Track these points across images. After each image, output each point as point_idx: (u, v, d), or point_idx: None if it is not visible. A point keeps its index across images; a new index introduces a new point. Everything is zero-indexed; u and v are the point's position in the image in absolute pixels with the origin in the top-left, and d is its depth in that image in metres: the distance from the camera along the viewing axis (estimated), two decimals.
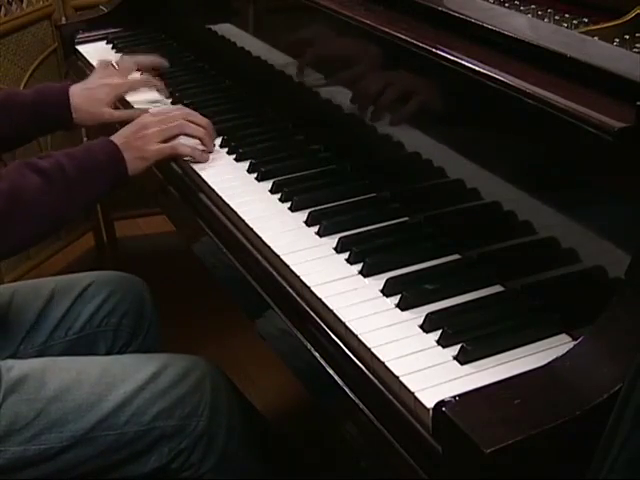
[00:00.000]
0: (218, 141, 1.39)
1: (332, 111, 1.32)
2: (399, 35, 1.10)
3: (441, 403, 0.76)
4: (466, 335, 0.89)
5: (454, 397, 0.76)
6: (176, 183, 1.38)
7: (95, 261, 2.51)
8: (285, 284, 1.07)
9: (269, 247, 1.10)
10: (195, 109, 1.51)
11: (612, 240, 0.86)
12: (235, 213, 1.20)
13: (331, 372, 0.94)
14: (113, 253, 2.57)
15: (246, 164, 1.32)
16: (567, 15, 1.10)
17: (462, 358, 0.86)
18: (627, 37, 0.99)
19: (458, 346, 0.87)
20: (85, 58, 1.90)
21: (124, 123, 1.37)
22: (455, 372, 0.85)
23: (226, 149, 1.38)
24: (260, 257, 1.13)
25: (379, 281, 1.01)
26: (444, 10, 1.10)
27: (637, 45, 0.98)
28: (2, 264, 2.15)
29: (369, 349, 0.90)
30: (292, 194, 1.21)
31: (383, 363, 0.88)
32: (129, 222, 2.59)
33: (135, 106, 1.56)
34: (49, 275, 1.83)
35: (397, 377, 0.85)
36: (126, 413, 1.19)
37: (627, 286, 0.80)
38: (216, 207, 1.26)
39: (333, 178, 1.27)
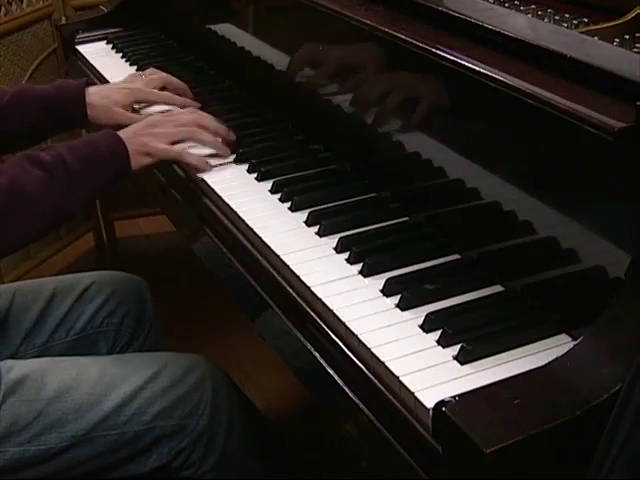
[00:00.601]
0: None
1: (332, 111, 1.32)
2: (399, 35, 1.10)
3: (441, 403, 0.76)
4: (466, 335, 0.89)
5: (454, 397, 0.76)
6: (176, 183, 1.38)
7: (95, 261, 2.52)
8: (285, 284, 1.07)
9: (269, 247, 1.11)
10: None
11: (612, 240, 0.86)
12: (235, 213, 1.20)
13: (331, 372, 0.94)
14: (113, 253, 2.57)
15: (246, 164, 1.32)
16: (567, 15, 1.10)
17: (462, 358, 0.86)
18: (627, 37, 0.99)
19: (458, 346, 0.87)
20: (85, 58, 1.90)
21: None
22: (455, 372, 0.85)
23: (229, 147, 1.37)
24: (260, 257, 1.13)
25: (379, 281, 1.01)
26: (444, 10, 1.10)
27: (637, 45, 0.98)
28: (2, 264, 2.15)
29: (369, 349, 0.90)
30: (292, 194, 1.21)
31: (383, 363, 0.88)
32: (129, 222, 2.59)
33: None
34: (49, 275, 1.83)
35: (397, 377, 0.85)
36: (126, 413, 1.19)
37: (627, 286, 0.80)
38: (216, 207, 1.26)
39: (333, 178, 1.27)
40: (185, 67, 1.77)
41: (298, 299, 1.04)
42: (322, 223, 1.14)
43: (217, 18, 1.71)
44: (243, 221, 1.17)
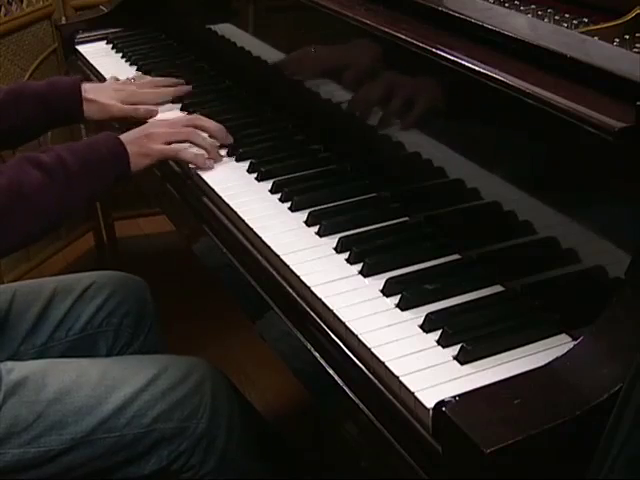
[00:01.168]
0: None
1: (332, 111, 1.32)
2: (399, 35, 1.10)
3: (441, 403, 0.76)
4: (466, 335, 0.89)
5: (454, 397, 0.76)
6: (176, 183, 1.38)
7: (95, 261, 2.51)
8: (285, 284, 1.07)
9: (269, 247, 1.11)
10: (195, 109, 1.52)
11: (612, 240, 0.86)
12: (235, 213, 1.20)
13: (331, 372, 0.94)
14: (113, 253, 2.57)
15: (246, 164, 1.32)
16: (567, 15, 1.10)
17: (462, 358, 0.86)
18: (627, 37, 0.99)
19: (458, 346, 0.87)
20: (85, 58, 1.90)
21: (132, 121, 1.37)
22: (455, 372, 0.85)
23: (226, 149, 1.37)
24: (260, 257, 1.13)
25: (379, 281, 1.01)
26: (444, 10, 1.10)
27: (637, 45, 0.98)
28: (2, 264, 2.15)
29: (369, 349, 0.90)
30: (292, 194, 1.21)
31: (383, 363, 0.88)
32: (129, 222, 2.59)
33: None
34: (49, 275, 1.83)
35: (397, 377, 0.85)
36: (126, 415, 1.18)
37: (627, 286, 0.80)
38: (216, 207, 1.26)
39: (333, 178, 1.27)
40: (185, 67, 1.77)
41: (298, 299, 1.04)
42: (322, 223, 1.14)
43: (217, 18, 1.71)
44: (243, 221, 1.17)
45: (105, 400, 1.18)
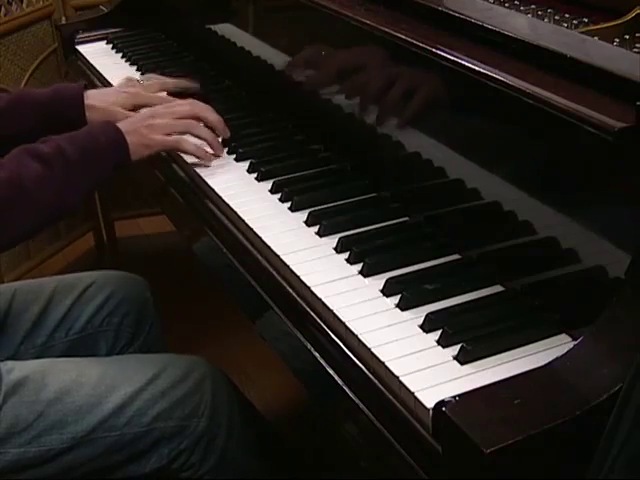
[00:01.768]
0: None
1: (332, 111, 1.32)
2: (399, 35, 1.10)
3: (441, 403, 0.76)
4: (466, 335, 0.89)
5: (454, 397, 0.76)
6: (176, 183, 1.38)
7: (95, 261, 2.51)
8: (285, 284, 1.07)
9: (269, 247, 1.11)
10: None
11: (612, 240, 0.86)
12: (235, 213, 1.20)
13: (331, 372, 0.94)
14: (113, 253, 2.57)
15: (246, 164, 1.32)
16: (567, 15, 1.10)
17: (462, 358, 0.86)
18: (627, 37, 0.99)
19: (458, 346, 0.87)
20: (85, 58, 1.90)
21: None
22: (455, 372, 0.85)
23: (226, 149, 1.38)
24: (260, 257, 1.13)
25: (379, 281, 1.01)
26: (444, 10, 1.10)
27: (637, 45, 0.98)
28: (2, 264, 2.15)
29: (369, 349, 0.90)
30: (292, 194, 1.21)
31: (383, 363, 0.88)
32: (129, 222, 2.59)
33: None
34: (49, 275, 1.83)
35: (397, 377, 0.85)
36: (126, 414, 1.18)
37: (627, 286, 0.80)
38: (216, 207, 1.26)
39: (333, 178, 1.27)
40: (185, 67, 1.77)
41: (298, 299, 1.04)
42: (322, 223, 1.14)
43: (217, 18, 1.71)
44: (243, 221, 1.17)
45: (105, 399, 1.18)
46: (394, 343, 0.91)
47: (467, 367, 0.86)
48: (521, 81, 0.92)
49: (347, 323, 0.94)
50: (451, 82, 1.05)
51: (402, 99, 1.15)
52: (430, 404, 0.80)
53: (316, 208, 1.18)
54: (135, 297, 1.45)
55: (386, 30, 1.13)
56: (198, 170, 1.32)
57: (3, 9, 2.12)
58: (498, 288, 0.99)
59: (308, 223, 1.16)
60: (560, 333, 0.90)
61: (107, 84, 1.72)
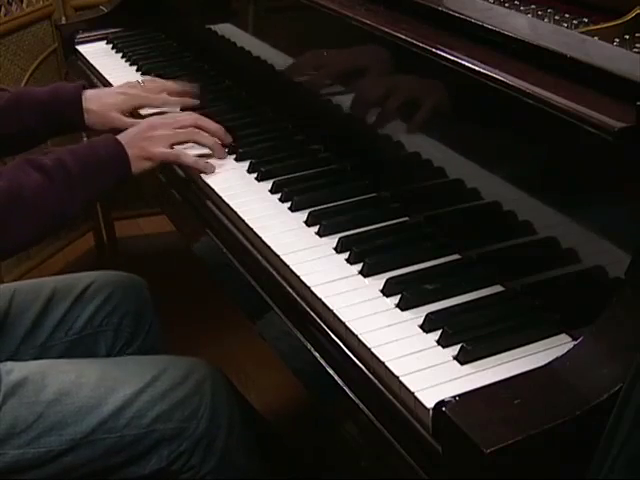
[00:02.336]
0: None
1: (332, 111, 1.32)
2: (399, 35, 1.10)
3: (441, 403, 0.76)
4: (466, 335, 0.89)
5: (454, 397, 0.76)
6: (176, 183, 1.38)
7: (95, 261, 2.52)
8: (285, 284, 1.07)
9: (269, 247, 1.11)
10: (195, 110, 1.52)
11: (612, 240, 0.86)
12: (235, 213, 1.20)
13: (331, 372, 0.94)
14: (113, 253, 2.57)
15: (246, 164, 1.32)
16: (567, 15, 1.10)
17: (462, 358, 0.86)
18: (627, 37, 0.99)
19: (458, 346, 0.87)
20: (85, 58, 1.90)
21: None
22: (455, 372, 0.85)
23: (226, 149, 1.37)
24: (260, 257, 1.13)
25: (379, 281, 1.01)
26: (444, 10, 1.10)
27: (637, 45, 0.98)
28: (2, 264, 2.15)
29: (369, 349, 0.90)
30: (292, 194, 1.21)
31: (383, 363, 0.88)
32: (129, 222, 2.59)
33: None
34: (49, 275, 1.83)
35: (397, 377, 0.85)
36: (126, 416, 1.18)
37: (627, 286, 0.80)
38: (216, 207, 1.26)
39: (333, 178, 1.27)
40: (185, 67, 1.77)
41: (298, 299, 1.04)
42: (322, 223, 1.14)
43: (217, 18, 1.71)
44: (243, 221, 1.17)
45: (105, 401, 1.18)
46: (394, 343, 0.91)
47: (467, 367, 0.86)
48: (521, 81, 0.92)
49: (347, 323, 0.94)
50: (451, 82, 1.05)
51: (402, 99, 1.15)
52: (430, 404, 0.80)
53: (316, 208, 1.18)
54: (134, 297, 1.45)
55: (386, 30, 1.13)
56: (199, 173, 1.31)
57: (3, 9, 2.12)
58: (498, 288, 0.99)
59: (308, 223, 1.16)
60: (560, 333, 0.90)
61: (107, 84, 1.72)
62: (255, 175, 1.30)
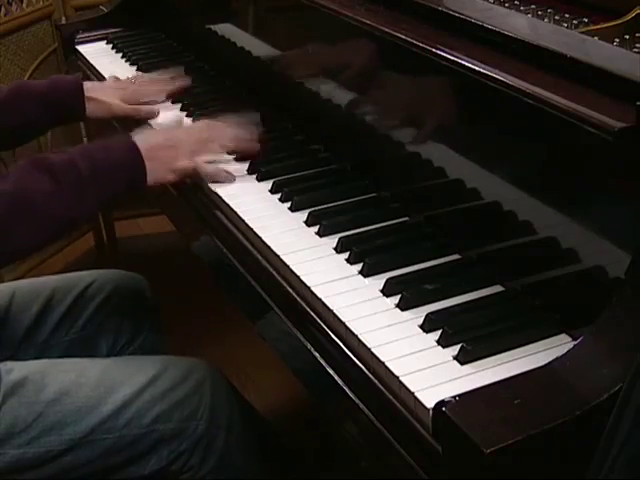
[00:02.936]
0: None
1: (332, 111, 1.32)
2: (399, 35, 1.10)
3: (441, 403, 0.76)
4: (466, 335, 0.89)
5: (454, 397, 0.76)
6: (176, 183, 1.38)
7: (95, 261, 2.51)
8: (285, 284, 1.07)
9: (269, 247, 1.10)
10: (195, 109, 1.52)
11: (612, 240, 0.86)
12: (235, 213, 1.20)
13: (331, 372, 0.94)
14: (113, 253, 2.57)
15: (246, 164, 1.32)
16: (567, 15, 1.10)
17: (462, 358, 0.86)
18: (627, 37, 0.99)
19: (458, 346, 0.87)
20: (85, 58, 1.90)
21: (133, 120, 1.36)
22: (455, 372, 0.85)
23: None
24: (260, 257, 1.13)
25: (379, 281, 1.01)
26: (444, 10, 1.10)
27: (637, 45, 0.98)
28: None
29: (369, 349, 0.90)
30: (292, 194, 1.21)
31: (383, 363, 0.88)
32: (129, 222, 2.59)
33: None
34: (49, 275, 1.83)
35: (397, 377, 0.85)
36: (125, 416, 1.18)
37: (627, 286, 0.80)
38: (216, 207, 1.26)
39: (333, 178, 1.27)
40: (185, 67, 1.77)
41: (298, 299, 1.04)
42: (322, 223, 1.14)
43: (217, 18, 1.71)
44: (243, 221, 1.17)
45: (105, 400, 1.18)
46: (394, 343, 0.91)
47: (467, 367, 0.86)
48: (521, 81, 0.92)
49: (347, 323, 0.94)
50: (451, 82, 1.05)
51: (402, 99, 1.15)
52: (430, 404, 0.80)
53: (316, 208, 1.18)
54: (135, 296, 1.45)
55: (386, 30, 1.13)
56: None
57: (3, 9, 2.12)
58: (498, 288, 0.99)
59: (308, 223, 1.16)
60: (560, 333, 0.90)
61: None
62: (255, 175, 1.29)
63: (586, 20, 1.07)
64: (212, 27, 1.74)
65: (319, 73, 1.36)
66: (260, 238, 1.13)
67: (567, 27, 1.06)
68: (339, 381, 0.93)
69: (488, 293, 0.98)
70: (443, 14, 1.10)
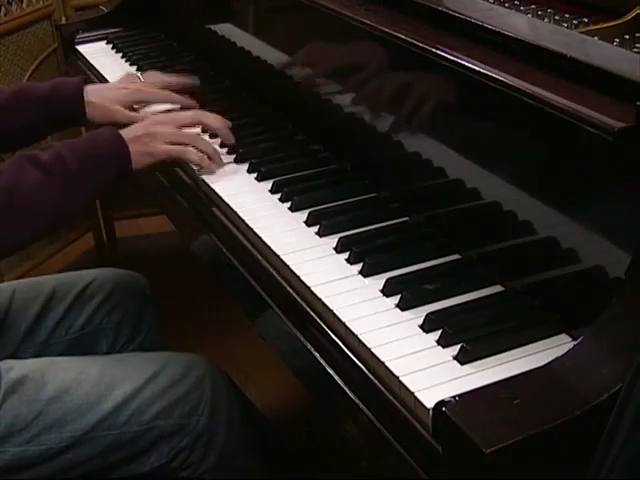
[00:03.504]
0: (218, 141, 1.39)
1: (332, 111, 1.32)
2: (399, 35, 1.10)
3: (441, 403, 0.76)
4: (466, 335, 0.89)
5: (454, 397, 0.76)
6: (176, 183, 1.38)
7: (95, 261, 2.51)
8: (285, 284, 1.07)
9: (269, 247, 1.11)
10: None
11: (612, 240, 0.86)
12: (235, 213, 1.20)
13: (331, 372, 0.94)
14: (113, 253, 2.57)
15: (246, 164, 1.32)
16: (567, 15, 1.10)
17: (462, 358, 0.86)
18: (627, 37, 0.99)
19: (458, 346, 0.87)
20: (85, 58, 1.90)
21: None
22: (455, 372, 0.85)
23: (226, 149, 1.38)
24: (260, 257, 1.13)
25: (379, 281, 1.01)
26: (444, 10, 1.10)
27: (637, 45, 0.98)
28: (2, 264, 2.15)
29: (369, 349, 0.90)
30: (292, 194, 1.21)
31: (383, 363, 0.88)
32: (129, 222, 2.59)
33: None
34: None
35: (397, 377, 0.85)
36: (126, 413, 1.18)
37: (627, 286, 0.80)
38: (216, 207, 1.26)
39: (333, 178, 1.27)
40: (185, 67, 1.77)
41: (298, 299, 1.04)
42: (322, 223, 1.14)
43: (217, 18, 1.71)
44: (243, 221, 1.17)
45: (105, 398, 1.18)
46: (394, 343, 0.91)
47: (467, 367, 0.86)
48: (521, 81, 0.92)
49: (347, 323, 0.94)
50: (451, 82, 1.05)
51: (402, 99, 1.15)
52: (430, 404, 0.80)
53: (316, 208, 1.18)
54: (135, 295, 1.45)
55: (386, 30, 1.13)
56: (201, 172, 1.31)
57: (3, 9, 2.12)
58: (498, 288, 0.99)
59: (308, 223, 1.16)
60: (560, 333, 0.90)
61: None
62: (255, 175, 1.30)
63: (586, 20, 1.07)
64: (212, 27, 1.74)
65: (319, 73, 1.37)
66: (260, 238, 1.13)
67: (567, 27, 1.06)
68: (339, 381, 0.93)
69: (488, 293, 0.98)
70: (443, 14, 1.10)
